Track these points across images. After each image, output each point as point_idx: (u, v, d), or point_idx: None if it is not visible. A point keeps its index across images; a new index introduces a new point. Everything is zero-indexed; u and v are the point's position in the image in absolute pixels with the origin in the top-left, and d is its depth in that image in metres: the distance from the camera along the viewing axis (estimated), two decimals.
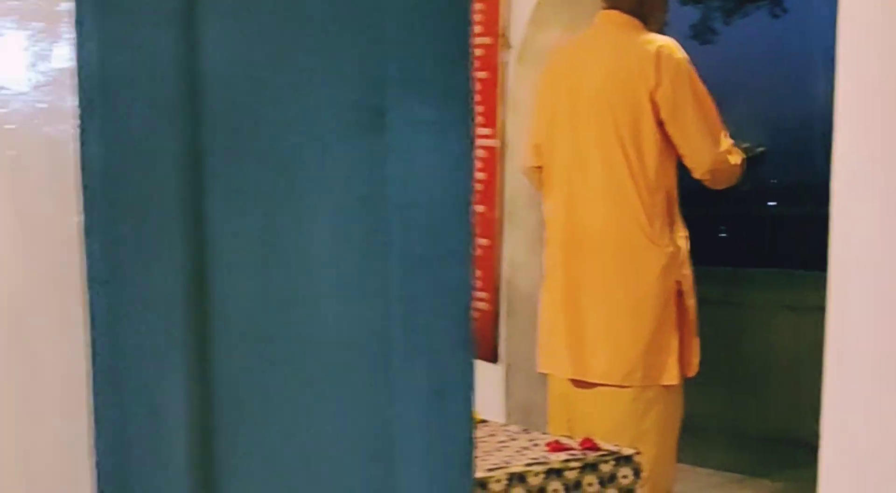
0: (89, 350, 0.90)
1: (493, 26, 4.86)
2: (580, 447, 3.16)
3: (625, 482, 3.11)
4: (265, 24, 0.87)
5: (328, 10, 0.88)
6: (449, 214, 1.00)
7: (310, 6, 0.87)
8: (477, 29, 4.87)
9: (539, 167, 4.12)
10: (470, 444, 1.11)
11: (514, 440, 3.27)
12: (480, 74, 4.85)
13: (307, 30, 0.88)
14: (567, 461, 3.04)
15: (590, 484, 3.04)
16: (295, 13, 0.86)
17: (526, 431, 3.45)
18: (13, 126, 0.91)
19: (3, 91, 0.91)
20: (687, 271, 3.93)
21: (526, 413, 4.86)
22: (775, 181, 18.66)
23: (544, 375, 4.20)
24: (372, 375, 1.02)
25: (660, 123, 3.83)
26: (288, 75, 0.88)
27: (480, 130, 4.88)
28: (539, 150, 4.11)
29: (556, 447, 3.15)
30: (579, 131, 3.93)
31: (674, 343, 3.88)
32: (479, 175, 4.87)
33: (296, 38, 0.88)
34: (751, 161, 4.05)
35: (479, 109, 4.93)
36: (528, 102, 4.46)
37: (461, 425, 1.10)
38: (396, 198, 0.96)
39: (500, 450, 3.13)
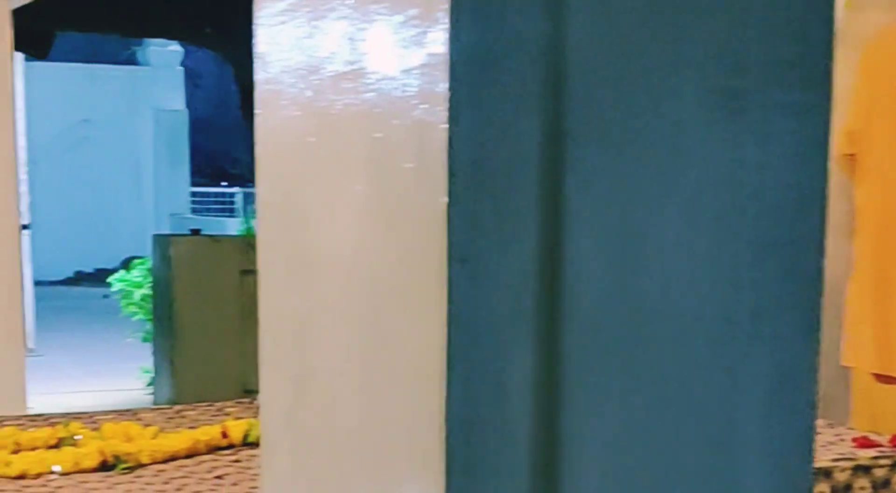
0: (445, 327, 0.93)
1: None
2: (890, 445, 3.03)
3: None
4: (630, 10, 0.87)
5: None
6: (803, 200, 0.98)
7: None
8: None
9: (852, 155, 3.97)
10: (811, 433, 1.08)
11: (818, 434, 3.17)
12: None
13: (670, 14, 0.88)
14: (876, 458, 2.92)
15: None
16: None
17: (830, 425, 3.33)
18: (380, 109, 0.95)
19: (373, 75, 0.95)
20: None
21: (824, 406, 4.71)
22: None
23: (847, 368, 4.05)
24: (716, 360, 1.01)
25: None
26: (650, 60, 0.88)
27: None
28: (853, 137, 3.96)
29: (864, 443, 3.03)
30: None
31: None
32: None
33: (659, 23, 0.88)
34: None
35: None
36: (841, 89, 4.29)
37: (803, 414, 1.07)
38: (751, 182, 0.95)
39: None
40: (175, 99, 19.86)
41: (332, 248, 1.07)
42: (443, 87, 0.86)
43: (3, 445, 2.94)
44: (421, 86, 0.89)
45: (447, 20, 0.84)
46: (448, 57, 0.85)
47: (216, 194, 21.70)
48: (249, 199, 19.67)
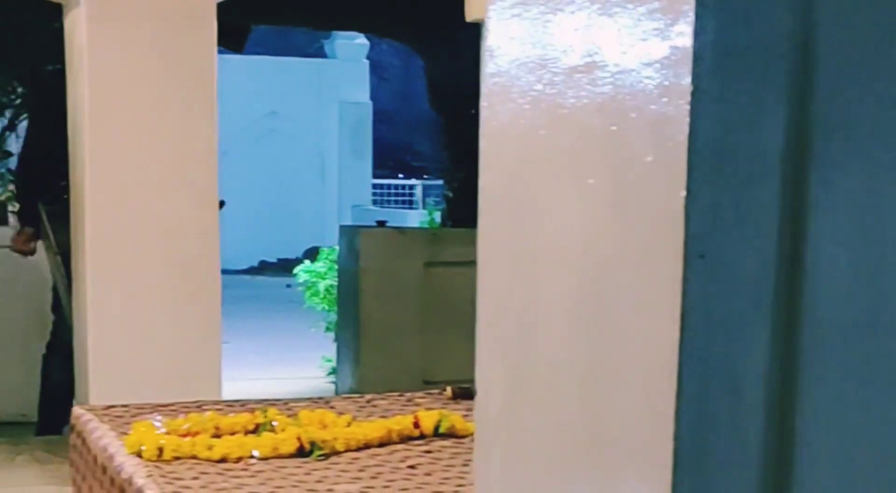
0: (678, 323, 0.93)
1: None
2: None
3: None
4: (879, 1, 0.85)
5: None
6: None
7: None
8: None
9: None
10: None
11: None
12: None
13: None
14: None
15: None
16: None
17: None
18: (617, 103, 0.95)
19: (610, 68, 0.95)
20: None
21: None
22: None
23: None
24: None
25: None
26: None
27: None
28: None
29: None
30: None
31: None
32: None
33: None
34: None
35: None
36: None
37: None
38: None
39: None
40: (360, 91, 20.21)
41: (560, 240, 1.07)
42: (686, 81, 0.85)
43: (205, 429, 3.05)
44: (662, 79, 0.88)
45: (692, 13, 0.83)
46: (692, 50, 0.84)
47: (397, 186, 22.02)
48: (429, 191, 19.89)
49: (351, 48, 19.85)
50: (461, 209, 7.57)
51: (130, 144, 3.78)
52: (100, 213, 3.82)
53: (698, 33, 0.84)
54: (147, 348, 3.96)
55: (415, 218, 15.82)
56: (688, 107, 0.85)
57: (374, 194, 21.43)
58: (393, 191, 22.04)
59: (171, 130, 3.83)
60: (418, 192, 21.36)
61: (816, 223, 0.90)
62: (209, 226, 4.02)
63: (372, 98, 20.60)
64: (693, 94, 0.85)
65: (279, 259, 18.50)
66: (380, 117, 21.00)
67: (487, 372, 1.25)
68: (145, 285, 3.91)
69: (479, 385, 1.27)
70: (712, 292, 0.92)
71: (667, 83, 0.88)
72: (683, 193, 0.88)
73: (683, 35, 0.84)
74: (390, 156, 22.48)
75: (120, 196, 3.82)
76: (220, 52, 3.90)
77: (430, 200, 17.51)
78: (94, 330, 3.89)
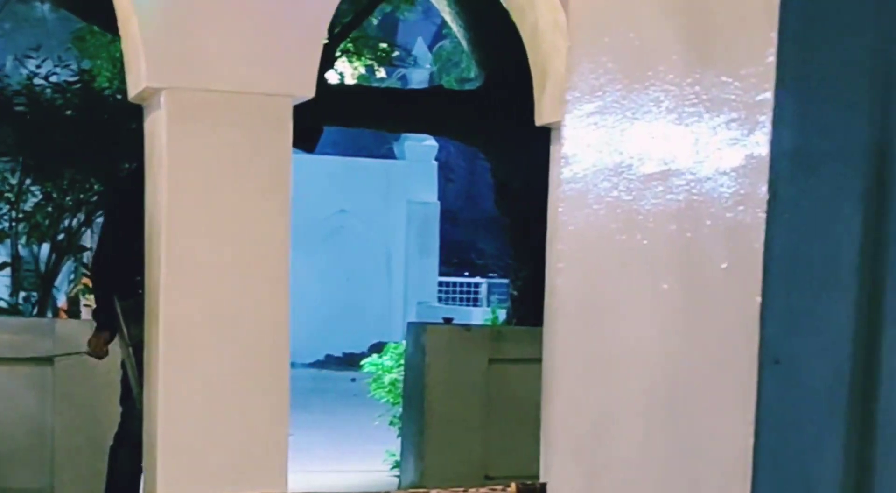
0: (753, 427, 0.93)
1: None
2: None
3: None
4: None
5: None
6: None
7: None
8: None
9: None
10: None
11: None
12: None
13: None
14: None
15: None
16: None
17: None
18: (693, 210, 0.97)
19: (685, 176, 0.97)
20: None
21: None
22: None
23: None
24: None
25: None
26: None
27: None
28: None
29: None
30: None
31: None
32: None
33: None
34: None
35: None
36: None
37: None
38: None
39: None
40: (428, 191, 20.39)
41: (635, 344, 1.09)
42: (763, 189, 0.87)
43: None
44: (738, 187, 0.91)
45: (769, 123, 0.86)
46: (769, 159, 0.86)
47: (461, 284, 22.05)
48: (493, 289, 19.89)
49: (419, 149, 20.07)
50: (525, 307, 7.57)
51: (206, 239, 3.86)
52: (174, 306, 3.88)
53: (774, 143, 0.86)
54: (215, 439, 3.99)
55: (479, 315, 15.80)
56: (764, 215, 0.87)
57: (440, 291, 21.46)
58: (458, 288, 22.06)
59: (246, 227, 3.90)
60: (483, 290, 21.37)
61: (892, 332, 0.91)
62: (281, 320, 4.06)
63: (439, 198, 20.76)
64: (769, 203, 0.87)
65: (345, 353, 18.53)
66: (446, 216, 21.13)
67: (560, 471, 1.26)
68: (216, 377, 3.95)
69: (552, 483, 1.28)
70: (788, 398, 0.92)
71: (743, 191, 0.90)
72: (759, 298, 0.89)
73: (759, 144, 0.87)
74: (456, 254, 22.57)
75: (194, 290, 3.88)
76: (293, 152, 3.98)
77: (495, 298, 17.49)
78: (165, 420, 3.93)
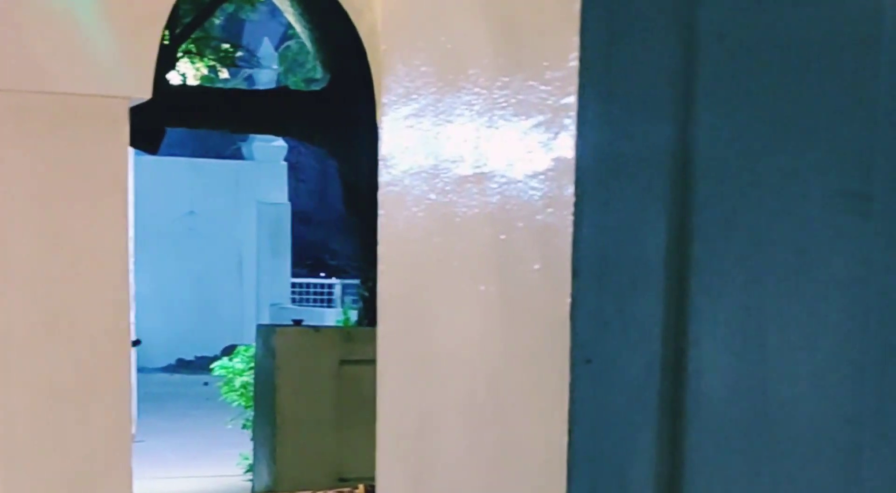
0: (566, 426, 0.94)
1: None
2: None
3: None
4: (756, 114, 0.89)
5: (820, 99, 0.89)
6: None
7: (803, 97, 0.88)
8: None
9: None
10: None
11: None
12: None
13: (796, 118, 0.90)
14: None
15: None
16: (788, 104, 0.88)
17: None
18: (505, 212, 0.97)
19: (498, 179, 0.98)
20: None
21: None
22: None
23: None
24: (841, 464, 1.00)
25: None
26: (775, 162, 0.90)
27: None
28: None
29: None
30: None
31: None
32: None
33: (785, 127, 0.89)
34: None
35: None
36: None
37: None
38: (877, 283, 0.95)
39: None
40: (278, 192, 20.26)
41: (455, 345, 1.09)
42: (569, 191, 0.88)
43: None
44: (547, 190, 0.91)
45: (574, 126, 0.87)
46: (575, 162, 0.87)
47: (315, 285, 21.95)
48: (347, 290, 19.86)
49: (268, 150, 19.93)
50: (376, 308, 7.58)
51: (38, 245, 3.76)
52: (4, 314, 3.77)
53: (579, 146, 0.87)
54: (54, 448, 3.90)
55: (332, 316, 15.77)
56: (571, 217, 0.88)
57: (294, 293, 21.34)
58: (312, 289, 21.97)
59: (81, 231, 3.81)
60: (337, 291, 21.32)
61: (698, 328, 0.93)
62: (122, 326, 3.98)
63: (290, 198, 20.64)
64: (576, 205, 0.88)
65: (197, 357, 18.30)
66: (298, 217, 21.02)
67: (388, 471, 1.26)
68: (51, 386, 3.86)
69: (380, 484, 1.28)
70: (600, 397, 0.94)
71: (551, 194, 0.91)
72: (569, 300, 0.90)
73: (565, 147, 0.88)
74: (309, 255, 22.45)
75: (25, 297, 3.78)
76: (136, 153, 3.91)
77: (349, 299, 17.48)
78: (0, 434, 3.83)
